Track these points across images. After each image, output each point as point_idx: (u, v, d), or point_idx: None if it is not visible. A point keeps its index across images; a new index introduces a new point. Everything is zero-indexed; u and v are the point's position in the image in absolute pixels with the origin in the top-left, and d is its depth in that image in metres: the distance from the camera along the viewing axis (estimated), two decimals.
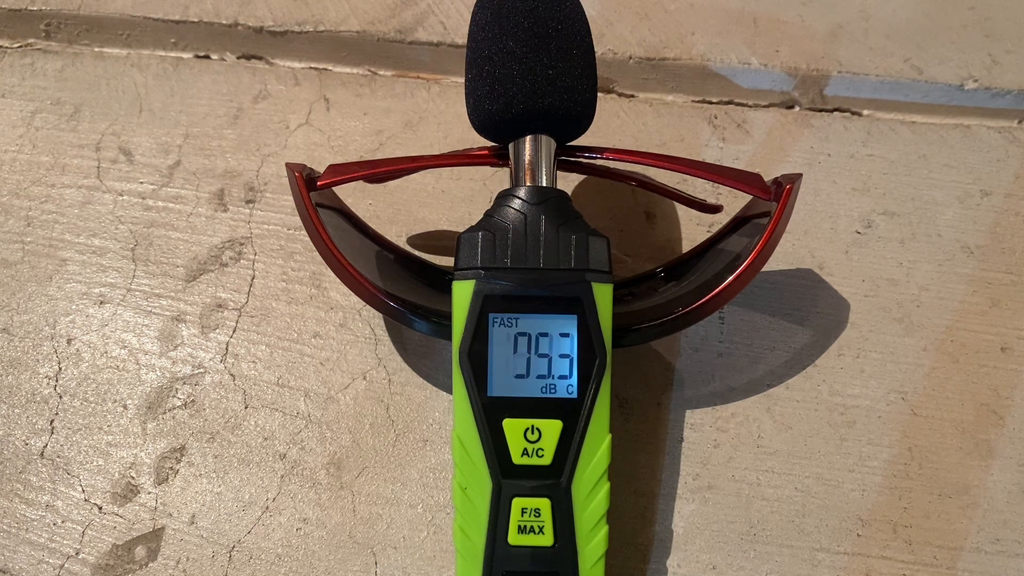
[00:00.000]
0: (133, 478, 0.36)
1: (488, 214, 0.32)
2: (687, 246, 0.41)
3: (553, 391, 0.30)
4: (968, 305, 0.39)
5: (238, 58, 0.48)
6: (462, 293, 0.30)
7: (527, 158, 0.33)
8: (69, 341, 0.39)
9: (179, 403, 0.38)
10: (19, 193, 0.43)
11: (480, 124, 0.33)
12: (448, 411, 0.37)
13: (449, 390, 0.36)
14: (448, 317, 0.31)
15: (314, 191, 0.34)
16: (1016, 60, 0.45)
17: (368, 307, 0.37)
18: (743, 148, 0.44)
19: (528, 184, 0.32)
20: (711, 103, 0.46)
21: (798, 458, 0.36)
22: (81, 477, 0.36)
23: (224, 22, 0.47)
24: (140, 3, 0.48)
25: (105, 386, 0.38)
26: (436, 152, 0.43)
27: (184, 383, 0.38)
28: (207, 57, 0.48)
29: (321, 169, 0.35)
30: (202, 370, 0.38)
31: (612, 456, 0.31)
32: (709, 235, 0.39)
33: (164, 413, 0.37)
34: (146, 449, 0.37)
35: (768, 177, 0.34)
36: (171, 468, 0.36)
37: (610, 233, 0.38)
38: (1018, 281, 0.40)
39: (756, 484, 0.36)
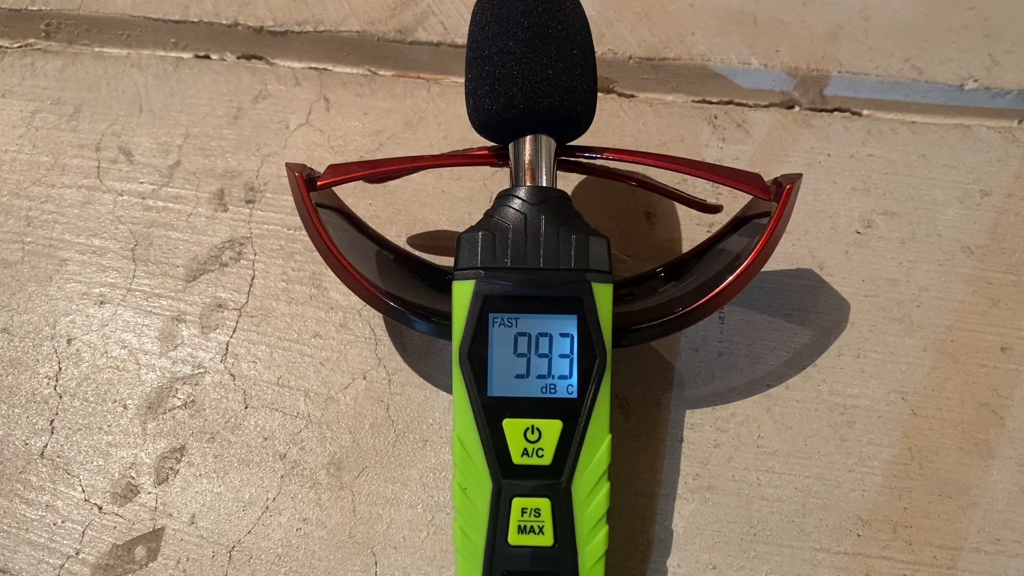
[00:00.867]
0: (133, 478, 0.36)
1: (488, 214, 0.32)
2: (687, 246, 0.41)
3: (553, 391, 0.30)
4: (968, 305, 0.39)
5: (238, 58, 0.48)
6: (462, 293, 0.30)
7: (527, 158, 0.33)
8: (69, 341, 0.39)
9: (179, 403, 0.38)
10: (19, 193, 0.43)
11: (480, 124, 0.33)
12: (448, 411, 0.37)
13: (449, 390, 0.36)
14: (448, 317, 0.31)
15: (314, 191, 0.34)
16: (1016, 60, 0.45)
17: (368, 307, 0.37)
18: (743, 148, 0.44)
19: (528, 184, 0.32)
20: (711, 103, 0.46)
21: (798, 458, 0.36)
22: (81, 477, 0.36)
23: (224, 22, 0.47)
24: (140, 3, 0.48)
25: (105, 386, 0.38)
26: (436, 152, 0.43)
27: (184, 383, 0.38)
28: (207, 57, 0.48)
29: (321, 169, 0.35)
30: (202, 370, 0.38)
31: (612, 456, 0.31)
32: (709, 235, 0.39)
33: (164, 413, 0.37)
34: (146, 449, 0.37)
35: (768, 177, 0.34)
36: (171, 468, 0.36)
37: (610, 233, 0.38)
38: (1018, 281, 0.40)
39: (756, 484, 0.36)
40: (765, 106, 0.46)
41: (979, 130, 0.44)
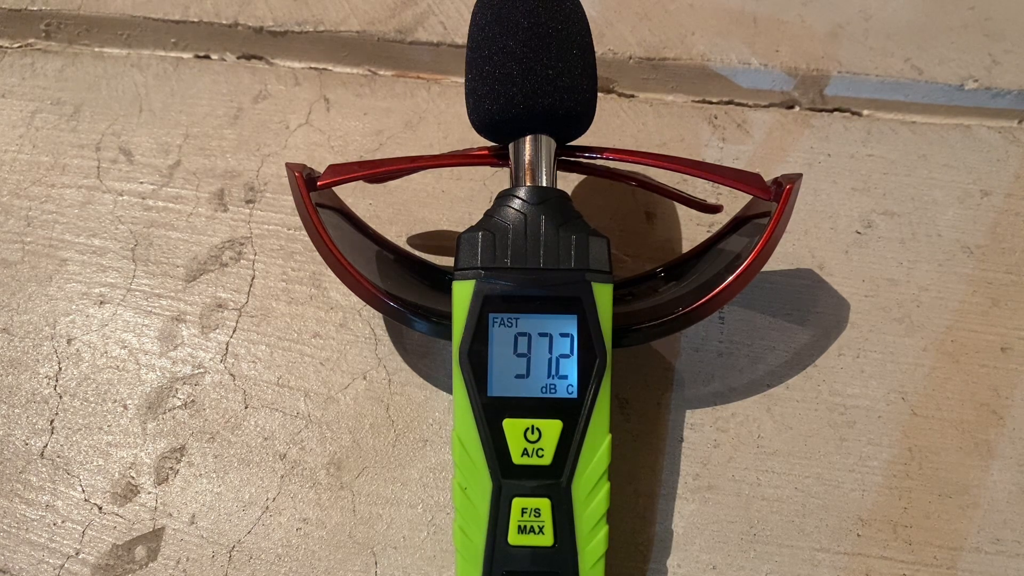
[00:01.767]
0: (133, 478, 0.36)
1: (488, 214, 0.32)
2: (687, 246, 0.41)
3: (553, 391, 0.30)
4: (968, 305, 0.39)
5: (238, 58, 0.48)
6: (462, 293, 0.30)
7: (527, 158, 0.33)
8: (69, 341, 0.39)
9: (179, 403, 0.38)
10: (19, 193, 0.43)
11: (480, 124, 0.33)
12: (448, 411, 0.37)
13: (449, 390, 0.36)
14: (448, 317, 0.31)
15: (314, 191, 0.34)
16: (1016, 60, 0.45)
17: (368, 307, 0.37)
18: (743, 148, 0.44)
19: (528, 184, 0.32)
20: (711, 103, 0.46)
21: (798, 458, 0.36)
22: (81, 477, 0.36)
23: (224, 22, 0.47)
24: (140, 3, 0.48)
25: (105, 386, 0.38)
26: (436, 152, 0.43)
27: (184, 383, 0.38)
28: (207, 57, 0.48)
29: (321, 169, 0.35)
30: (202, 370, 0.38)
31: (612, 456, 0.30)
32: (709, 235, 0.39)
33: (164, 413, 0.37)
34: (146, 449, 0.37)
35: (768, 177, 0.34)
36: (171, 468, 0.36)
37: (610, 233, 0.38)
38: (1018, 281, 0.40)
39: (756, 484, 0.36)
40: (765, 106, 0.46)
41: (979, 130, 0.44)
